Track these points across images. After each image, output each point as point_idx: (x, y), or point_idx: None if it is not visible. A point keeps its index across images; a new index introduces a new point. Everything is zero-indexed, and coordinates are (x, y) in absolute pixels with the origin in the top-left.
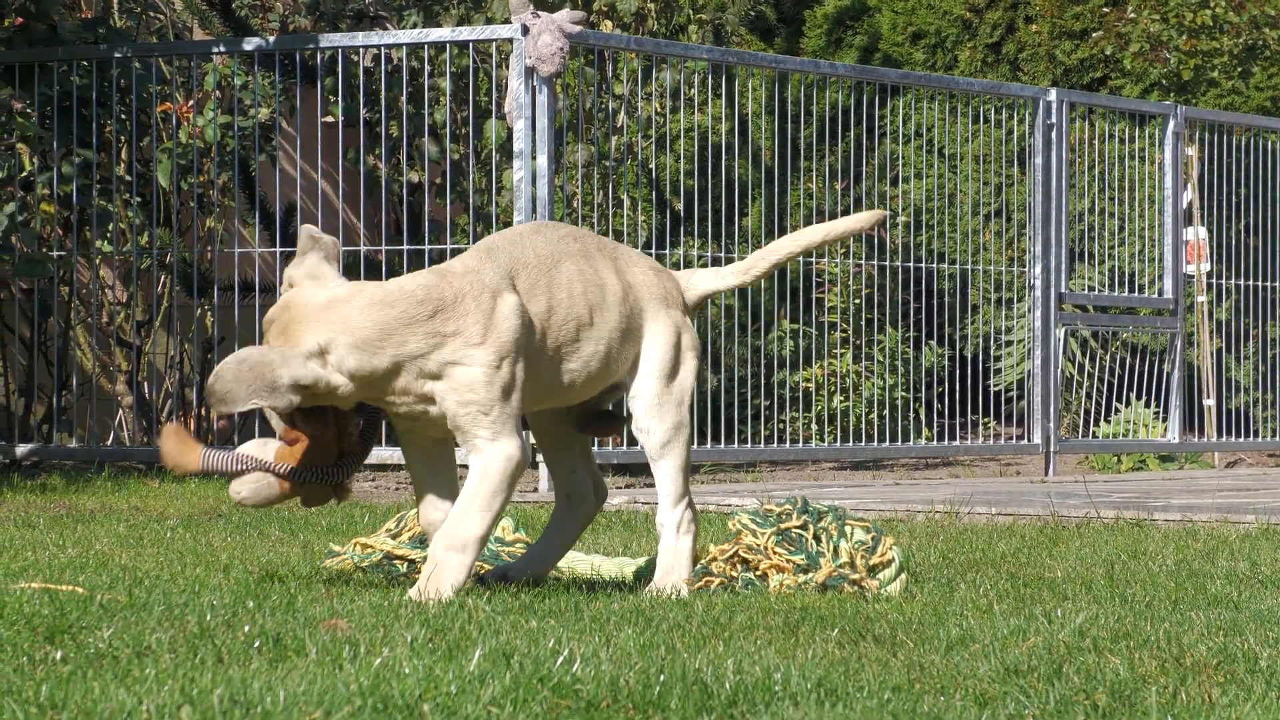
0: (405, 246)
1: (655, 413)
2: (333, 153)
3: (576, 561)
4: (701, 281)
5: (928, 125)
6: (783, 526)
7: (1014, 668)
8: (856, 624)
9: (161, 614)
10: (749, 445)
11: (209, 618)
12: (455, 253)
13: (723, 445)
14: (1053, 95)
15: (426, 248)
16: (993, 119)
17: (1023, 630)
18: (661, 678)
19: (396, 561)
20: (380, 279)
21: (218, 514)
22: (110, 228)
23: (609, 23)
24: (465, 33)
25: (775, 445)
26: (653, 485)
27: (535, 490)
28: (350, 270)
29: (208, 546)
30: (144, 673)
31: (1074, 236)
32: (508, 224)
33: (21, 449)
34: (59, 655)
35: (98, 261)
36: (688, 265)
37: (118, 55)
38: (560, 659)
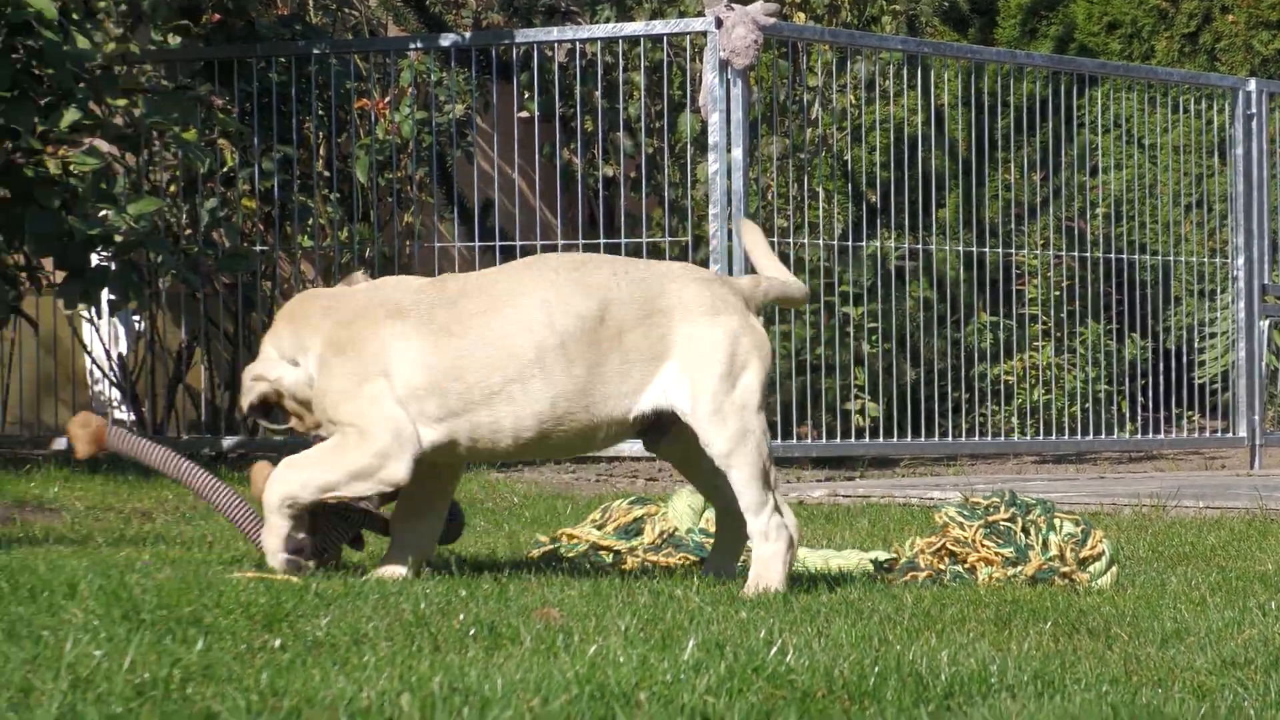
0: (601, 240)
1: (712, 423)
2: (528, 148)
3: (807, 557)
4: (771, 288)
5: (1125, 115)
6: (991, 519)
7: (1231, 660)
8: (1069, 617)
9: (376, 602)
10: (949, 439)
11: (423, 606)
12: (650, 246)
13: (923, 439)
14: (1252, 85)
15: (622, 241)
16: (1191, 109)
17: (1237, 623)
18: (876, 669)
19: (602, 552)
20: None
21: None
22: (310, 223)
23: (802, 14)
24: (659, 26)
25: (976, 438)
26: (854, 478)
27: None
28: None
29: None
30: (362, 660)
31: (1276, 228)
32: (702, 217)
33: (228, 441)
34: (278, 643)
35: (298, 256)
36: (885, 258)
37: (315, 52)
38: (774, 649)
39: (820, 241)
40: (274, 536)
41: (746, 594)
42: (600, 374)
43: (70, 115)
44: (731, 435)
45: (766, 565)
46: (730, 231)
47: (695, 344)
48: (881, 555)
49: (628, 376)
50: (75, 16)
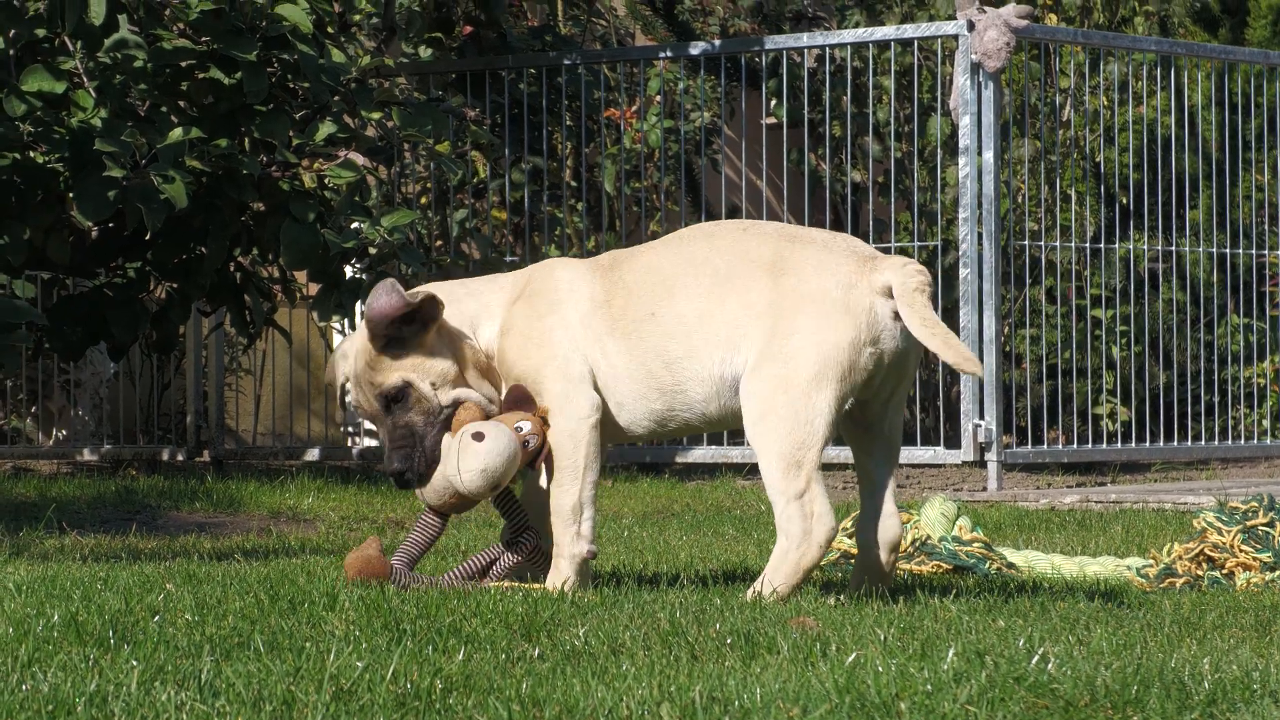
0: None
1: (748, 397)
2: (774, 155)
3: (1036, 560)
4: (903, 267)
5: None
6: (1249, 524)
7: None
8: None
9: (632, 611)
10: (1200, 442)
11: (679, 615)
12: (899, 250)
13: (1174, 443)
14: None
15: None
16: None
17: None
18: (1138, 677)
19: (854, 560)
20: None
21: (671, 513)
22: (558, 233)
23: (1054, 16)
24: (909, 30)
25: (1228, 442)
26: (1105, 483)
27: (985, 490)
28: None
29: (665, 545)
30: (621, 669)
31: None
32: (951, 221)
33: None
34: (536, 652)
35: None
36: (1136, 260)
37: (566, 62)
38: (1035, 658)
39: (1071, 244)
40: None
41: (747, 597)
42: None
43: (325, 128)
44: (756, 412)
45: (774, 568)
46: (980, 235)
47: (776, 312)
48: (1138, 562)
49: (728, 337)
50: (330, 30)
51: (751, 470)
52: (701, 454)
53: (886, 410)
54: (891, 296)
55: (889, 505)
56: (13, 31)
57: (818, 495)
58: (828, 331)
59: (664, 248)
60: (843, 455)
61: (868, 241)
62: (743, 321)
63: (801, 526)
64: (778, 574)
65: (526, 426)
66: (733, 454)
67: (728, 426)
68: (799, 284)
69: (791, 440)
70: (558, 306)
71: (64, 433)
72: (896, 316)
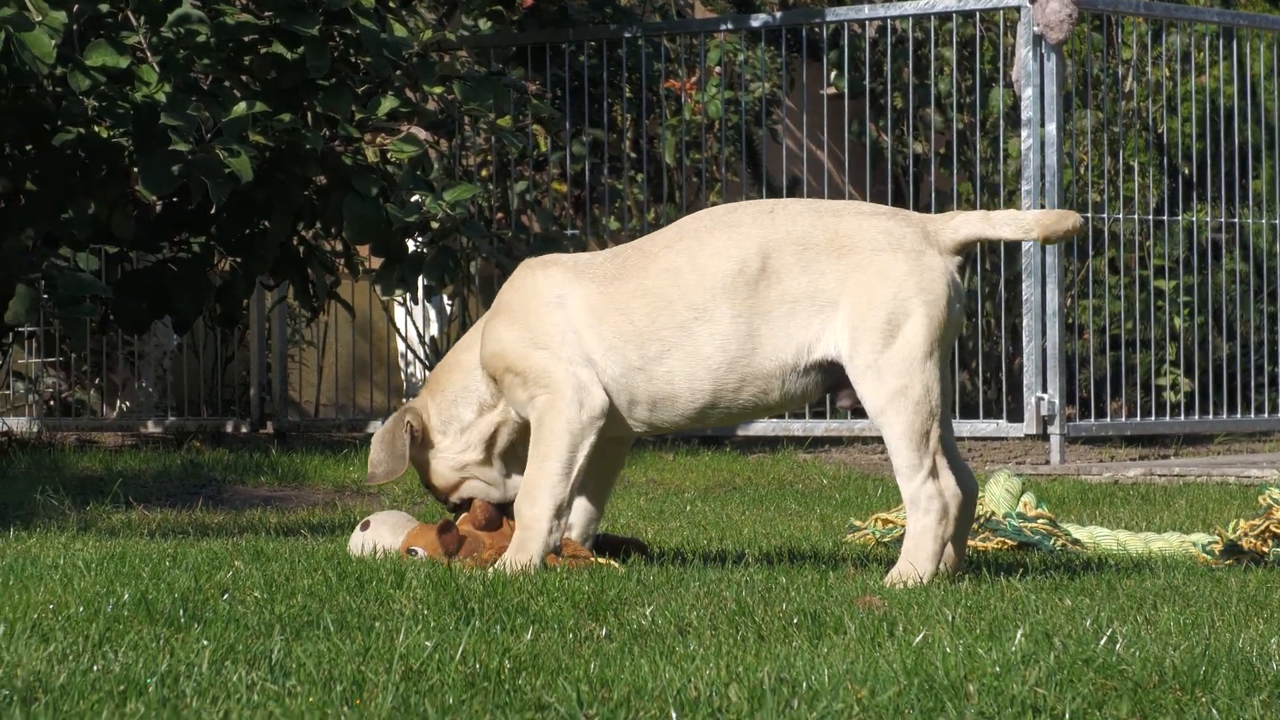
0: None
1: (865, 375)
2: (834, 126)
3: (1101, 537)
4: (965, 224)
5: None
6: None
7: None
8: None
9: (699, 590)
10: (1264, 414)
11: (745, 594)
12: None
13: (1238, 414)
14: None
15: None
16: None
17: None
18: (1206, 658)
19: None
20: None
21: (733, 486)
22: (617, 204)
23: None
24: (971, 2)
25: None
26: (1168, 456)
27: (1047, 463)
28: None
29: (728, 520)
30: (688, 650)
31: None
32: (1013, 193)
33: None
34: (604, 632)
35: (606, 239)
36: (1199, 231)
37: (627, 35)
38: (1103, 639)
39: (1134, 216)
40: None
41: (892, 575)
42: (767, 321)
43: (388, 103)
44: (887, 391)
45: (916, 546)
46: (1043, 207)
47: (859, 286)
48: (1203, 538)
49: (795, 322)
50: (392, 5)
51: (814, 444)
52: (763, 427)
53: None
54: (952, 253)
55: (960, 463)
56: (76, 6)
57: (944, 466)
58: (922, 297)
59: (682, 245)
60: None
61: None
62: (814, 307)
63: (941, 502)
64: (921, 552)
65: (420, 555)
66: (794, 427)
67: (781, 411)
68: (872, 258)
69: (919, 416)
70: (561, 305)
71: (128, 405)
72: (959, 270)
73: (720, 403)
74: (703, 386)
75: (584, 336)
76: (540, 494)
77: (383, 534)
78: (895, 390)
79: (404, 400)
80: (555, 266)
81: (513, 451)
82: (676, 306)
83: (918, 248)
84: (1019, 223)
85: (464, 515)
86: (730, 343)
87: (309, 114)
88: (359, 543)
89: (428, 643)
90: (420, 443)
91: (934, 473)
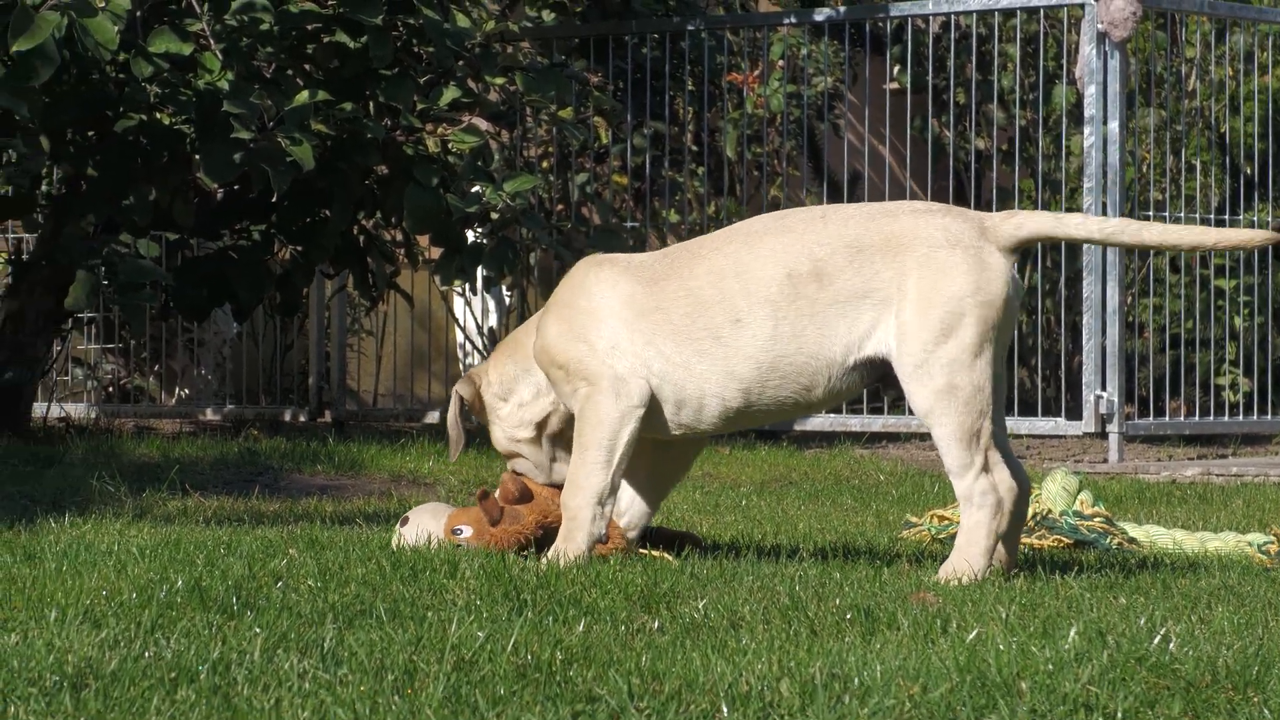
0: None
1: (914, 375)
2: (896, 121)
3: (1158, 535)
4: (1029, 221)
5: None
6: None
7: None
8: None
9: (752, 584)
10: None
11: (798, 589)
12: None
13: None
14: None
15: None
16: None
17: None
18: (1259, 658)
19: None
20: None
21: (789, 481)
22: (677, 197)
23: None
24: None
25: None
26: (1225, 456)
27: (1105, 461)
28: None
29: (783, 514)
30: (740, 644)
31: None
32: (1075, 190)
33: None
34: (656, 625)
35: (666, 231)
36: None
37: (690, 28)
38: (1157, 638)
39: (1196, 214)
40: None
41: (944, 570)
42: (814, 321)
43: (450, 93)
44: (935, 390)
45: (969, 541)
46: (1104, 205)
47: (915, 283)
48: (1259, 538)
49: (845, 321)
50: None
51: (871, 439)
52: (820, 422)
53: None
54: (1010, 251)
55: (1013, 460)
56: None
57: (996, 461)
58: (978, 296)
59: (730, 248)
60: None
61: (991, 209)
62: (867, 304)
63: (995, 497)
64: (974, 547)
65: (466, 532)
66: (851, 422)
67: (824, 407)
68: (929, 255)
69: (969, 414)
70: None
71: (186, 392)
72: (1013, 267)
73: (758, 404)
74: (735, 389)
75: (625, 332)
76: (581, 483)
77: (425, 520)
78: (943, 389)
79: None
80: (607, 265)
81: (563, 438)
82: (715, 310)
83: (975, 244)
84: (1101, 228)
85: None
86: (772, 344)
87: (371, 103)
88: (400, 537)
89: (480, 633)
90: (478, 409)
91: (986, 468)
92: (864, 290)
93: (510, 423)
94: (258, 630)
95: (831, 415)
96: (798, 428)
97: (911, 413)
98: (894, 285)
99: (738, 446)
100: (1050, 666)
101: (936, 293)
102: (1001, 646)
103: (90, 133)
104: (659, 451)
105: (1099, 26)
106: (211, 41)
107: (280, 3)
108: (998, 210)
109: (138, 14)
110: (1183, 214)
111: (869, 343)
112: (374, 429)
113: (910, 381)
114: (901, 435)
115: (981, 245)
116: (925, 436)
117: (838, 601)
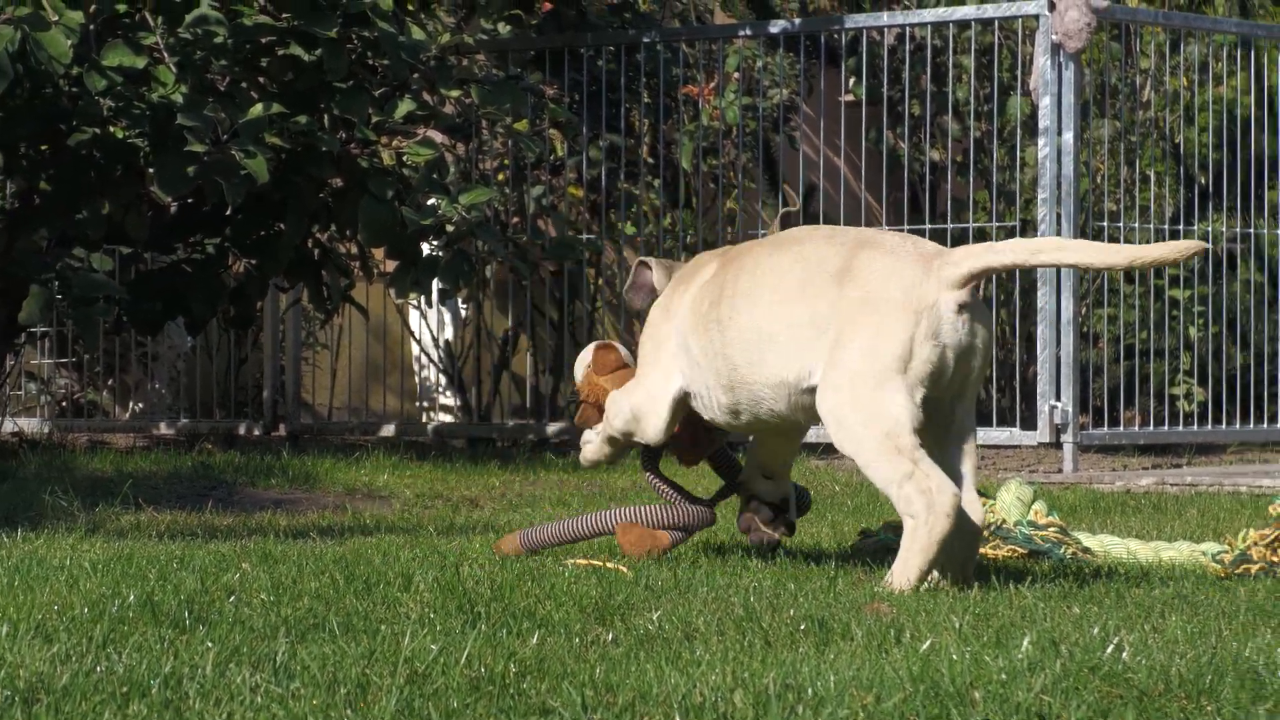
0: (926, 225)
1: (827, 399)
2: (852, 133)
3: (1112, 545)
4: (966, 260)
5: None
6: None
7: None
8: None
9: (706, 596)
10: (1278, 425)
11: (753, 600)
12: (976, 231)
13: (1251, 425)
14: None
15: (948, 226)
16: None
17: None
18: (1212, 666)
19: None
20: None
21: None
22: (633, 210)
23: None
24: (990, 10)
25: None
26: (1180, 465)
27: (1060, 471)
28: None
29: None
30: (694, 655)
31: None
32: (1029, 201)
33: (552, 428)
34: (610, 637)
35: (622, 244)
36: (1215, 240)
37: (645, 40)
38: (1110, 647)
39: (1150, 225)
40: None
41: (886, 581)
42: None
43: (405, 106)
44: (835, 417)
45: (906, 546)
46: (1059, 216)
47: (844, 315)
48: (1213, 547)
49: (797, 346)
50: (410, 7)
51: (826, 450)
52: None
53: (955, 409)
54: (962, 288)
55: (970, 494)
56: (93, 6)
57: (929, 469)
58: (884, 332)
59: (762, 250)
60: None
61: (945, 221)
62: (808, 333)
63: (923, 502)
64: (911, 554)
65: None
66: (808, 435)
67: (801, 423)
68: (864, 291)
69: (877, 431)
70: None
71: (140, 406)
72: (960, 310)
73: (745, 414)
74: (723, 399)
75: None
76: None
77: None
78: (839, 419)
79: (418, 404)
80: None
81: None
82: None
83: (911, 283)
84: (1030, 250)
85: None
86: (732, 361)
87: (325, 116)
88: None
89: (433, 646)
90: None
91: (913, 477)
92: (810, 317)
93: None
94: (210, 644)
95: None
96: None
97: None
98: (831, 314)
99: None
100: (1004, 676)
101: (859, 327)
102: (955, 656)
103: (44, 147)
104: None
105: (1053, 38)
106: (165, 55)
107: (234, 16)
108: (953, 221)
109: (91, 28)
110: (1137, 224)
111: (817, 371)
112: (329, 442)
113: (822, 405)
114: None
115: (918, 284)
116: None
117: (792, 612)
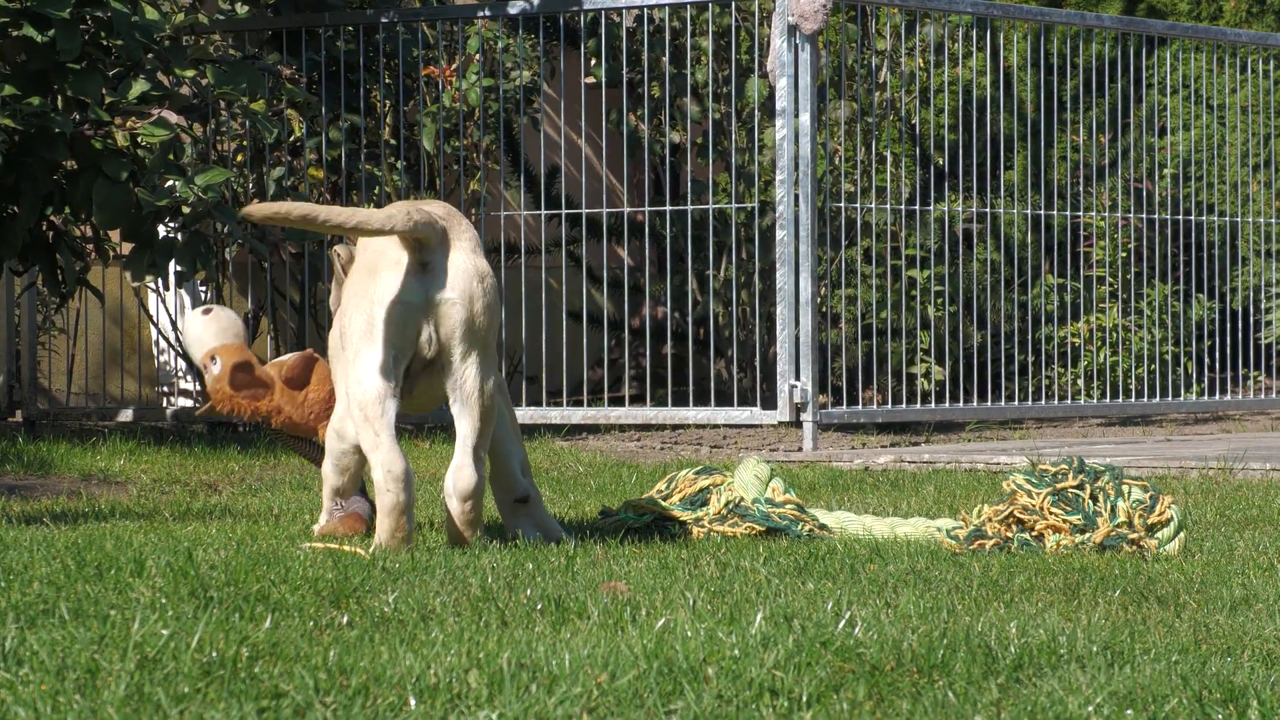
0: (667, 207)
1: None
2: (594, 115)
3: (848, 522)
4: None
5: (1194, 76)
6: (1059, 487)
7: None
8: (1138, 585)
9: (444, 577)
10: (1015, 402)
11: (490, 580)
12: (717, 212)
13: (988, 403)
14: None
15: (688, 208)
16: (1260, 70)
17: None
18: (944, 641)
19: (669, 524)
20: (642, 240)
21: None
22: (376, 191)
23: None
24: None
25: (1041, 402)
26: (919, 443)
27: (800, 450)
28: (614, 232)
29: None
30: (430, 636)
31: None
32: (769, 182)
33: None
34: (345, 620)
35: None
36: (952, 221)
37: (384, 20)
38: (842, 622)
39: (888, 206)
40: None
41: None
42: None
43: (139, 86)
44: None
45: (379, 517)
46: (797, 197)
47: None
48: (948, 523)
49: None
50: None
51: (571, 431)
52: (520, 415)
53: (460, 368)
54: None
55: (461, 457)
56: None
57: (387, 441)
58: (355, 302)
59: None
60: (661, 416)
61: (686, 203)
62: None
63: (381, 472)
64: (381, 522)
65: (216, 367)
66: (551, 415)
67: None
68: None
69: (354, 401)
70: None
71: None
72: (422, 268)
73: None
74: None
75: None
76: None
77: (209, 332)
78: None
79: (157, 389)
80: None
81: None
82: None
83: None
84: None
85: (282, 359)
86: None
87: (59, 97)
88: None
89: (164, 630)
90: None
91: (375, 447)
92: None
93: None
94: None
95: (532, 408)
96: None
97: (612, 404)
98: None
99: (438, 440)
100: (736, 652)
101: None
102: (689, 633)
103: None
104: None
105: (790, 19)
106: None
107: None
108: (694, 204)
109: None
110: (874, 205)
111: None
112: (66, 428)
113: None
114: (601, 427)
115: (385, 252)
116: (625, 428)
117: (529, 592)
